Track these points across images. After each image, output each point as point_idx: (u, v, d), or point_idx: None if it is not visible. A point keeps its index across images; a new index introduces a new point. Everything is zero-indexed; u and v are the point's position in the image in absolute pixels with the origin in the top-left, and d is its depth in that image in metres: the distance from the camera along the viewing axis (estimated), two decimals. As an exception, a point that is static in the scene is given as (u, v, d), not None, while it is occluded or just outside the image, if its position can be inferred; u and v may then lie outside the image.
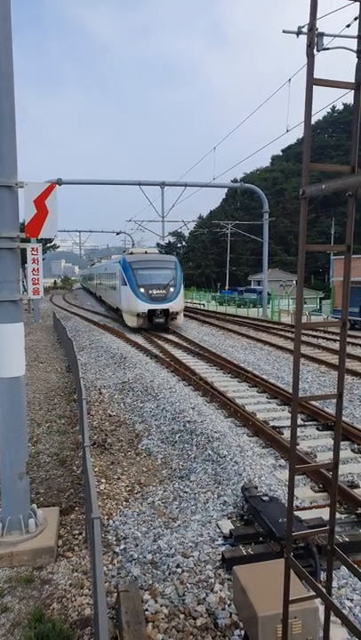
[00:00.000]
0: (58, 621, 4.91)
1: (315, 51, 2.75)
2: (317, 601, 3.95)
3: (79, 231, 62.28)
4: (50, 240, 55.29)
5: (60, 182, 23.47)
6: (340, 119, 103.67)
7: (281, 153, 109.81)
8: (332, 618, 4.64)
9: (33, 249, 6.33)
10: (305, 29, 2.74)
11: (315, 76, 2.67)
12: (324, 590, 3.04)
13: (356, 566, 3.03)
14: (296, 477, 7.99)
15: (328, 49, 9.42)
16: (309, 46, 2.59)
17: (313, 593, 3.22)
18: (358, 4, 2.70)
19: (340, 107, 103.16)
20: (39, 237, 6.31)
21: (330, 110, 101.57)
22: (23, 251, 6.19)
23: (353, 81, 2.72)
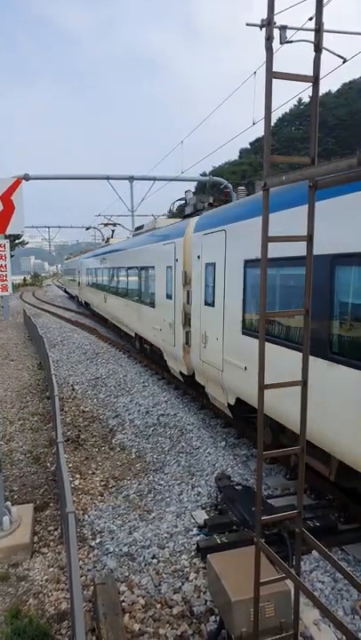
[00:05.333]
0: (35, 617, 4.92)
1: (278, 44, 2.79)
2: (290, 585, 4.06)
3: (48, 227, 61.47)
4: (18, 236, 54.46)
5: (27, 178, 23.10)
6: (307, 112, 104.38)
7: (249, 146, 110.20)
8: (306, 600, 4.77)
9: (0, 245, 6.26)
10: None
11: (274, 70, 2.72)
12: (293, 571, 3.12)
13: (324, 548, 3.13)
14: (270, 466, 8.13)
15: (291, 42, 9.53)
16: (268, 40, 2.63)
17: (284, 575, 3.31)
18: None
19: (306, 99, 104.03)
20: (6, 233, 6.24)
21: (296, 103, 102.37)
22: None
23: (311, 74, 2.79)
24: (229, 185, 25.64)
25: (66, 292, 65.15)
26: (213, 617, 4.82)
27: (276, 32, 3.11)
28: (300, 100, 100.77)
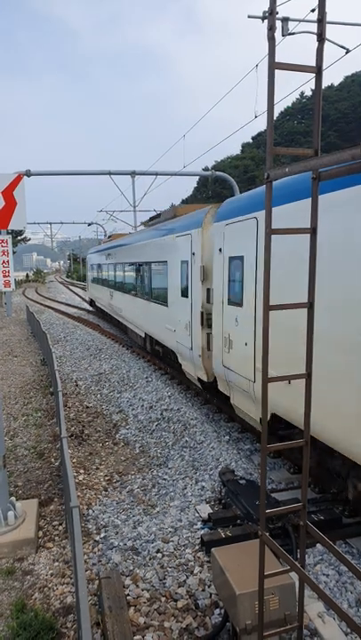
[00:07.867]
0: (40, 610, 4.94)
1: (280, 35, 2.77)
2: (294, 577, 4.06)
3: (50, 223, 61.27)
4: (20, 233, 54.47)
5: (28, 174, 23.04)
6: (309, 105, 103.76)
7: (251, 140, 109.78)
8: (310, 593, 4.78)
9: (2, 240, 6.26)
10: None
11: (276, 60, 2.70)
12: (297, 564, 3.13)
13: (329, 541, 3.12)
14: (274, 460, 8.13)
15: (293, 34, 9.47)
16: (270, 30, 2.61)
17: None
18: (317, -12, 2.73)
19: (308, 93, 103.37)
20: (8, 229, 6.24)
21: (299, 96, 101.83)
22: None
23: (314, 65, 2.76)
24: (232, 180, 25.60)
25: (92, 304, 34.81)
26: (218, 610, 4.83)
27: (278, 24, 3.09)
28: (302, 93, 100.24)
